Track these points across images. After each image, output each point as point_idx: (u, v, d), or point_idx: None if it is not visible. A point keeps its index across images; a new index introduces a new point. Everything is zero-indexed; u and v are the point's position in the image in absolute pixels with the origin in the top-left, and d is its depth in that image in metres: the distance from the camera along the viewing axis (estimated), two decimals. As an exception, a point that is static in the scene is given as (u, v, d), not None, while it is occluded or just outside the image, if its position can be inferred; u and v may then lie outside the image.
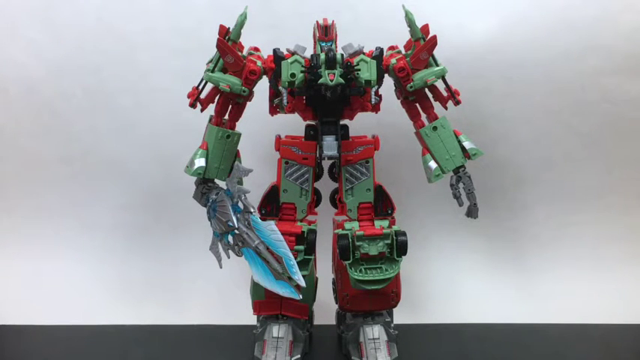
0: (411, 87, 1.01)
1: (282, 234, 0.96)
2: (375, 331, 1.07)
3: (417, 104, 1.06)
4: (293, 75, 0.98)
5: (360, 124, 1.11)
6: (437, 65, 1.03)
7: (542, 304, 1.40)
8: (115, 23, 1.43)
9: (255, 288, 1.05)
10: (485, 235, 1.49)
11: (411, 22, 1.02)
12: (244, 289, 1.17)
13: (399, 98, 1.08)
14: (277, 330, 1.06)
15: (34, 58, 1.46)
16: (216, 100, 1.03)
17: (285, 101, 1.02)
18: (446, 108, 1.06)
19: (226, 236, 0.97)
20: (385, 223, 1.06)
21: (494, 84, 1.42)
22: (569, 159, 1.48)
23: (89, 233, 1.51)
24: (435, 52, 1.02)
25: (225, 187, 0.99)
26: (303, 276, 0.96)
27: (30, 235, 1.51)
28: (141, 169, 1.49)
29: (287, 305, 1.06)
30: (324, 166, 1.10)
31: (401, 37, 1.06)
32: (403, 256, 1.03)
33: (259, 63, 1.01)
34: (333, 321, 1.21)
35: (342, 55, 0.99)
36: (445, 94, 1.05)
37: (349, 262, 1.02)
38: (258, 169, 1.04)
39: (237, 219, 0.96)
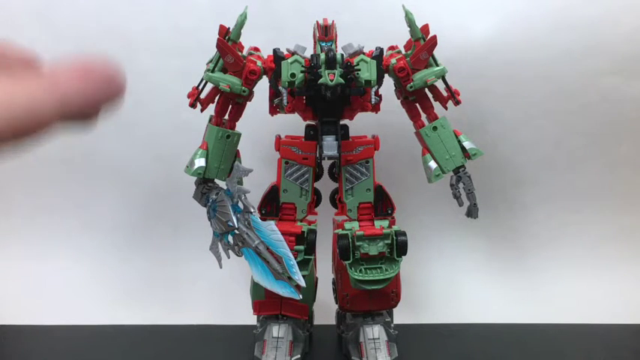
0: (411, 87, 1.01)
1: (282, 234, 0.96)
2: (375, 331, 1.07)
3: (417, 104, 1.06)
4: (293, 75, 0.98)
5: (360, 124, 1.11)
6: (437, 65, 1.03)
7: (543, 304, 1.40)
8: (115, 23, 1.43)
9: (255, 288, 1.05)
10: (485, 235, 1.49)
11: (411, 22, 1.02)
12: (244, 289, 1.17)
13: (399, 98, 1.08)
14: (277, 330, 1.06)
15: (34, 58, 1.45)
16: (216, 100, 1.03)
17: (285, 101, 1.02)
18: (446, 108, 1.06)
19: (226, 236, 0.97)
20: (385, 223, 1.06)
21: (494, 84, 1.42)
22: (569, 159, 1.48)
23: (89, 233, 1.51)
24: (435, 52, 1.02)
25: (225, 187, 0.99)
26: (303, 276, 0.96)
27: (30, 235, 1.51)
28: (141, 169, 1.49)
29: (287, 305, 1.06)
30: (324, 166, 1.10)
31: (401, 37, 1.06)
32: (403, 256, 1.03)
33: (259, 63, 1.00)
34: (333, 321, 1.21)
35: (342, 55, 0.99)
36: (445, 94, 1.05)
37: (349, 262, 1.02)
38: (258, 169, 1.04)
39: (237, 219, 0.96)
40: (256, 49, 1.06)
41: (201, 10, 1.41)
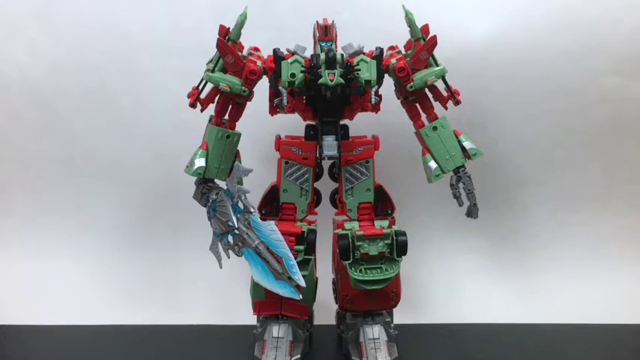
0: (411, 87, 1.01)
1: (282, 234, 0.96)
2: (375, 331, 1.07)
3: (417, 104, 1.06)
4: (293, 75, 0.98)
5: (360, 124, 1.11)
6: (437, 65, 1.03)
7: (543, 304, 1.40)
8: (115, 23, 1.43)
9: (255, 288, 1.05)
10: (486, 235, 1.49)
11: (411, 22, 1.01)
12: (244, 289, 1.17)
13: (399, 98, 1.08)
14: (277, 330, 1.06)
15: (34, 58, 1.46)
16: (216, 100, 1.03)
17: (285, 101, 1.02)
18: (446, 108, 1.06)
19: (226, 236, 0.97)
20: (385, 223, 1.06)
21: (494, 84, 1.42)
22: (569, 159, 1.48)
23: (89, 233, 1.51)
24: (435, 52, 1.02)
25: (225, 187, 0.99)
26: (303, 276, 0.96)
27: (30, 235, 1.51)
28: (141, 169, 1.49)
29: (287, 305, 1.06)
30: (324, 166, 1.10)
31: (401, 37, 1.06)
32: (403, 256, 1.03)
33: (259, 63, 1.00)
34: (333, 321, 1.21)
35: (342, 55, 0.99)
36: (445, 94, 1.05)
37: (349, 262, 1.02)
38: (258, 169, 1.05)
39: (237, 219, 0.96)
40: (256, 49, 1.06)
41: (201, 10, 1.42)
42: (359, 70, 0.97)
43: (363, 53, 1.00)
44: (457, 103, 1.04)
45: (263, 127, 1.20)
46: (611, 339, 1.25)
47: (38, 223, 1.52)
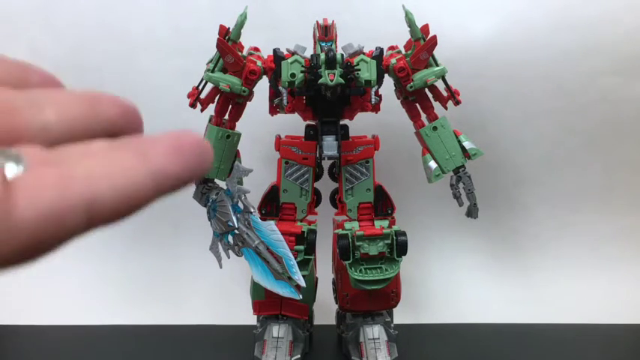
0: (411, 87, 1.01)
1: (282, 234, 0.96)
2: (375, 331, 1.07)
3: (417, 104, 1.06)
4: (293, 75, 0.98)
5: (360, 124, 1.11)
6: (437, 65, 1.03)
7: (543, 304, 1.40)
8: (115, 23, 1.43)
9: (255, 288, 1.05)
10: (485, 235, 1.49)
11: (411, 22, 1.01)
12: (244, 289, 1.17)
13: (399, 98, 1.08)
14: (277, 330, 1.06)
15: (34, 58, 1.45)
16: (216, 100, 1.03)
17: (285, 101, 1.02)
18: (446, 108, 1.06)
19: (226, 236, 0.97)
20: (385, 223, 1.06)
21: (494, 84, 1.42)
22: (569, 159, 1.48)
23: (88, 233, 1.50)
24: (435, 52, 1.02)
25: (225, 187, 0.99)
26: (303, 276, 0.96)
27: (30, 235, 1.51)
28: (141, 169, 1.48)
29: (287, 305, 1.06)
30: (324, 166, 1.10)
31: (401, 37, 1.06)
32: (403, 256, 1.03)
33: (259, 63, 1.00)
34: (333, 321, 1.21)
35: (342, 55, 0.99)
36: (445, 94, 1.05)
37: (349, 262, 1.02)
38: (258, 169, 1.05)
39: (237, 219, 0.96)
40: (256, 49, 1.06)
41: (201, 10, 1.41)
42: (359, 70, 0.97)
43: (363, 53, 1.00)
44: (457, 103, 1.04)
45: (263, 127, 1.20)
46: (611, 339, 1.25)
47: (38, 223, 1.51)
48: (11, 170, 0.25)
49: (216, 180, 1.01)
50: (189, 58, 1.22)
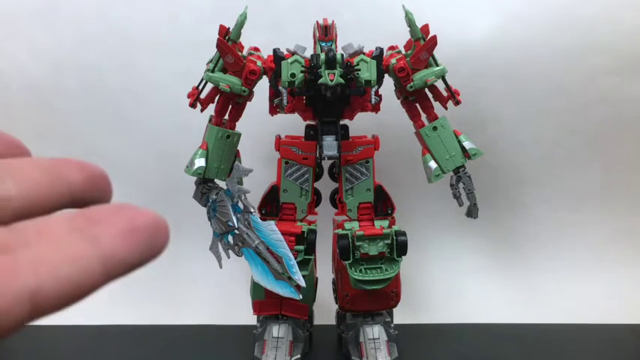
0: (411, 87, 1.01)
1: (282, 234, 0.96)
2: (375, 331, 1.07)
3: (417, 104, 1.06)
4: (293, 75, 0.98)
5: (360, 124, 1.11)
6: (437, 65, 1.03)
7: (543, 304, 1.40)
8: (115, 23, 1.43)
9: (255, 288, 1.05)
10: (485, 235, 1.49)
11: (411, 22, 1.01)
12: (244, 289, 1.17)
13: (399, 98, 1.08)
14: (277, 330, 1.06)
15: (34, 58, 1.46)
16: (216, 100, 1.03)
17: (285, 101, 1.02)
18: (446, 108, 1.06)
19: (226, 236, 0.97)
20: (385, 223, 1.06)
21: (494, 84, 1.42)
22: (569, 159, 1.48)
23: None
24: (435, 52, 1.02)
25: (225, 187, 0.99)
26: (303, 276, 0.96)
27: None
28: (141, 168, 1.49)
29: (287, 305, 1.06)
30: (324, 166, 1.10)
31: (401, 37, 1.06)
32: (403, 256, 1.03)
33: (259, 63, 1.00)
34: (333, 321, 1.21)
35: (342, 55, 0.99)
36: (445, 94, 1.05)
37: (349, 262, 1.02)
38: (258, 169, 1.04)
39: (237, 219, 0.96)
40: (256, 49, 1.06)
41: (201, 10, 1.41)
42: (359, 70, 0.97)
43: (363, 53, 1.00)
44: (457, 103, 1.04)
45: (263, 127, 1.20)
46: (611, 339, 1.25)
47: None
48: None
49: (216, 180, 1.01)
50: (189, 58, 1.21)
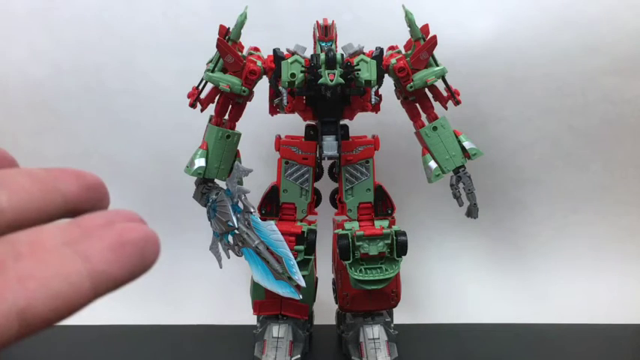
0: (411, 87, 1.01)
1: (282, 234, 0.96)
2: (375, 331, 1.07)
3: (417, 104, 1.06)
4: (293, 75, 0.98)
5: (360, 124, 1.11)
6: (437, 65, 1.03)
7: (543, 304, 1.40)
8: (115, 23, 1.43)
9: (255, 288, 1.05)
10: (485, 235, 1.49)
11: (411, 22, 1.01)
12: (244, 289, 1.17)
13: (398, 98, 1.08)
14: (277, 330, 1.06)
15: (34, 58, 1.46)
16: (216, 100, 1.03)
17: (285, 101, 1.02)
18: (446, 108, 1.06)
19: (226, 236, 0.97)
20: (385, 223, 1.06)
21: (494, 84, 1.42)
22: (569, 159, 1.48)
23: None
24: (435, 52, 1.02)
25: (225, 187, 0.99)
26: (303, 276, 0.96)
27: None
28: (141, 169, 1.49)
29: (287, 305, 1.06)
30: (324, 166, 1.10)
31: (401, 37, 1.06)
32: (403, 256, 1.03)
33: (259, 63, 1.01)
34: (333, 321, 1.21)
35: (342, 55, 0.99)
36: (445, 94, 1.05)
37: (349, 262, 1.02)
38: (258, 169, 1.04)
39: (237, 219, 0.96)
40: (256, 49, 1.06)
41: (201, 10, 1.41)
42: (359, 70, 0.97)
43: (363, 53, 1.00)
44: (457, 103, 1.04)
45: (263, 127, 1.20)
46: (611, 339, 1.25)
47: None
48: None
49: (216, 180, 1.01)
50: (189, 58, 1.22)
